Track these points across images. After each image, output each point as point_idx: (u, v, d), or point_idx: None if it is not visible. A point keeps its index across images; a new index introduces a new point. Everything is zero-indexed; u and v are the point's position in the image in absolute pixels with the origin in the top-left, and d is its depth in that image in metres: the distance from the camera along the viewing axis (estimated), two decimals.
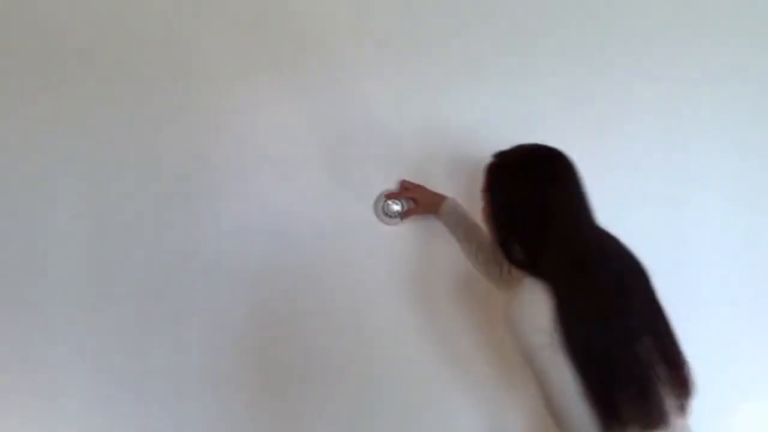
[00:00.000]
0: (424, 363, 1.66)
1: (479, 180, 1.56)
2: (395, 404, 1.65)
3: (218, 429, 1.60)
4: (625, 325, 1.13)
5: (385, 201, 1.62)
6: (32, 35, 1.58)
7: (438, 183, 1.62)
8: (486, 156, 1.53)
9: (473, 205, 1.58)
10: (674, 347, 1.19)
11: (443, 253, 1.63)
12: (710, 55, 1.58)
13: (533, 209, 1.17)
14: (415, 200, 1.59)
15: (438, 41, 1.60)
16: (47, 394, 1.67)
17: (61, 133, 1.62)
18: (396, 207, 1.62)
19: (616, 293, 1.15)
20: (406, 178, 1.62)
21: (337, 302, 1.65)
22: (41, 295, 1.66)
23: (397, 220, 1.63)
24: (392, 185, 1.63)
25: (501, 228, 1.23)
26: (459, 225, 1.51)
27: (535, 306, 1.11)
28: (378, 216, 1.63)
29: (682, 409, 1.18)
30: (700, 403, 1.64)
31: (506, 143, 1.33)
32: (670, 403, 1.15)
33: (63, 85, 1.61)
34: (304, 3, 1.60)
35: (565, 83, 1.60)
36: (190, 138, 1.59)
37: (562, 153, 1.22)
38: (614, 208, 1.60)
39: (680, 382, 1.18)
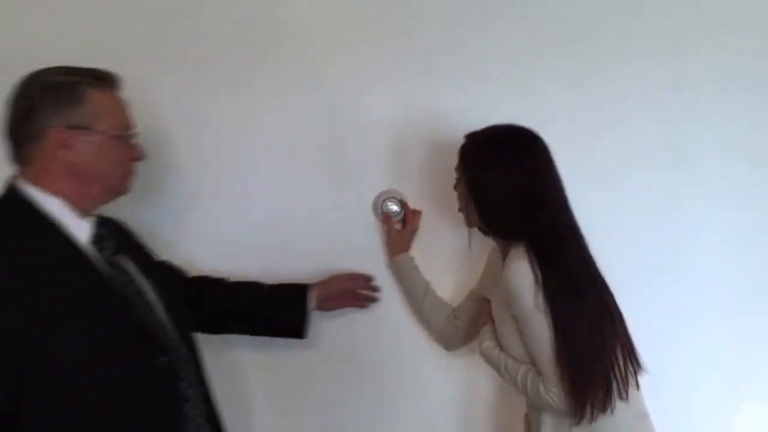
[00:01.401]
0: (420, 360, 1.66)
1: None
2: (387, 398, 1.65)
3: None
4: (594, 307, 1.22)
5: (384, 201, 1.62)
6: (31, 35, 1.60)
7: (438, 181, 1.62)
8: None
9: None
10: (627, 331, 1.29)
11: (441, 253, 1.63)
12: (710, 54, 1.57)
13: (515, 186, 1.25)
14: (404, 224, 1.60)
15: (437, 41, 1.60)
16: None
17: None
18: (395, 207, 1.62)
19: (586, 275, 1.25)
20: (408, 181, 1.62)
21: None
22: None
23: (396, 219, 1.63)
24: (392, 185, 1.62)
25: (483, 203, 1.29)
26: (421, 277, 1.58)
27: (526, 268, 1.20)
28: (377, 216, 1.63)
29: (638, 385, 1.28)
30: (700, 403, 1.65)
31: None
32: (631, 382, 1.25)
33: None
34: (303, 2, 1.60)
35: (564, 84, 1.60)
36: (188, 138, 1.58)
37: (538, 134, 1.30)
38: (613, 206, 1.62)
39: (635, 360, 1.28)
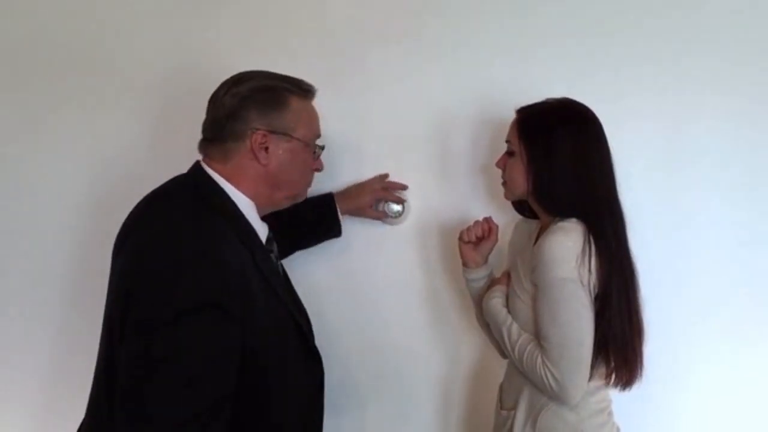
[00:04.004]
0: (423, 360, 1.68)
1: (483, 178, 1.57)
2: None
3: None
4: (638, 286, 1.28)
5: (386, 201, 1.62)
6: (34, 40, 1.59)
7: (441, 182, 1.63)
8: (489, 155, 1.55)
9: (479, 199, 1.61)
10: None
11: (443, 253, 1.65)
12: (712, 51, 1.57)
13: (581, 154, 1.25)
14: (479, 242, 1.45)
15: (438, 40, 1.61)
16: (44, 391, 1.66)
17: (61, 135, 1.62)
18: (396, 207, 1.62)
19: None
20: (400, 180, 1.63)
21: (338, 302, 1.66)
22: (39, 295, 1.65)
23: (398, 220, 1.64)
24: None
25: (545, 172, 1.27)
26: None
27: (571, 241, 1.20)
28: (379, 216, 1.63)
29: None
30: (699, 401, 1.65)
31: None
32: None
33: (64, 87, 1.62)
34: None
35: (564, 84, 1.61)
36: (191, 138, 1.58)
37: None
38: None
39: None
